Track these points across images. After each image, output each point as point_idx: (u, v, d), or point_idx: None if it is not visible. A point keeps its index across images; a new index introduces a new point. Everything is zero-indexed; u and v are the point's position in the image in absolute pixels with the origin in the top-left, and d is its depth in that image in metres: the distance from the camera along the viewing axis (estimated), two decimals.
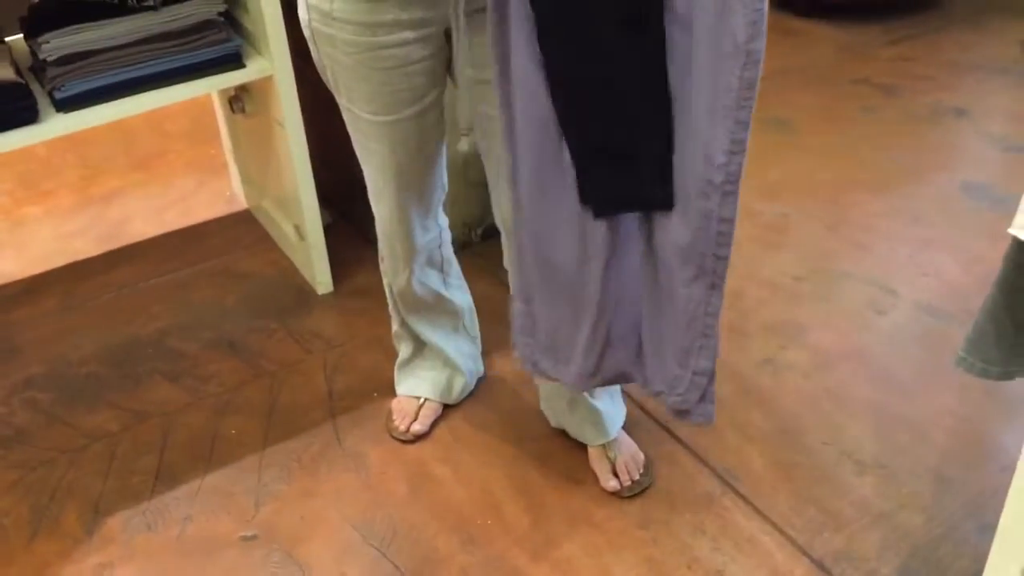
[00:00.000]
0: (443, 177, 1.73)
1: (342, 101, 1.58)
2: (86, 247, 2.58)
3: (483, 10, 1.39)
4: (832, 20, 3.50)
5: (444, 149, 1.68)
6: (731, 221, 1.27)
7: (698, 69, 1.20)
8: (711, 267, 1.32)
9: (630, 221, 1.40)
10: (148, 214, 2.70)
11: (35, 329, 2.29)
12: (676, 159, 1.30)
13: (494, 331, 2.05)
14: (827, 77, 3.20)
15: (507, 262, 1.63)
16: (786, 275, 2.33)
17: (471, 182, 2.30)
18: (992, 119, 2.86)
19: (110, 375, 2.14)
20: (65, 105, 1.94)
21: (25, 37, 2.05)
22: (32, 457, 1.93)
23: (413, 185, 1.66)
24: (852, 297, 2.25)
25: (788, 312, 2.21)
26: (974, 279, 2.25)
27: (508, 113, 1.36)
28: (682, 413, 1.49)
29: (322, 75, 1.57)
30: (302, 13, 1.52)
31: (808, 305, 2.23)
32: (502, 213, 1.59)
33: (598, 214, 1.38)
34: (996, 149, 2.77)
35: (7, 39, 2.13)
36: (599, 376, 1.54)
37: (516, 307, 1.54)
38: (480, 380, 2.04)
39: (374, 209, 1.74)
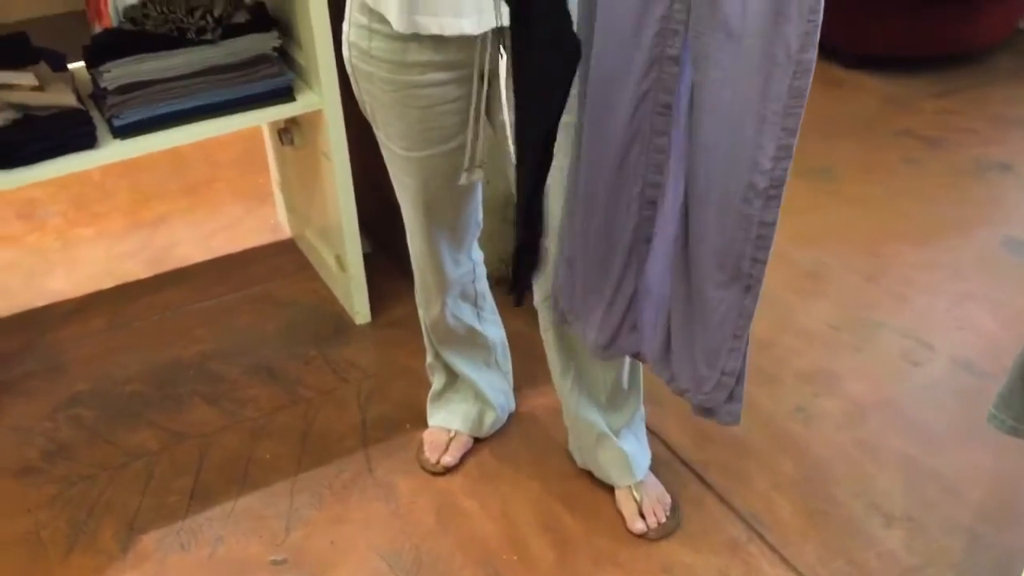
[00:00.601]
0: (478, 213, 1.77)
1: (379, 135, 1.63)
2: (135, 269, 2.65)
3: None
4: (878, 72, 3.51)
5: (479, 186, 1.72)
6: (773, 225, 1.29)
7: (748, 76, 1.22)
8: (748, 270, 1.34)
9: (669, 216, 1.43)
10: (196, 239, 2.77)
11: (82, 347, 2.35)
12: (707, 163, 1.32)
13: (527, 367, 2.07)
14: (870, 128, 3.20)
15: (538, 300, 1.69)
16: (822, 324, 2.33)
17: (510, 220, 2.33)
18: None
19: (152, 395, 2.19)
20: (123, 132, 2.01)
21: (87, 65, 2.13)
22: (73, 472, 1.98)
23: (444, 220, 1.70)
24: (888, 348, 2.24)
25: (822, 361, 2.21)
26: (1013, 335, 2.24)
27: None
28: (708, 411, 1.50)
29: (362, 109, 1.63)
30: (344, 49, 1.58)
31: (843, 354, 2.23)
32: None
33: None
34: None
35: (70, 66, 2.21)
36: (611, 350, 1.58)
37: (561, 269, 1.59)
38: (511, 415, 2.06)
39: (408, 241, 1.78)
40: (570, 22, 1.24)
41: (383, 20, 1.46)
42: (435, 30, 1.41)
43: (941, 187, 2.86)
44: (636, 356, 1.60)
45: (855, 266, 2.53)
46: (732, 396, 1.47)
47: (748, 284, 1.35)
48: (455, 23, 1.41)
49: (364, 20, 1.51)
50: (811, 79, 1.18)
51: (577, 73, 1.33)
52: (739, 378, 1.45)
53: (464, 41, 1.44)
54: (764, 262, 1.33)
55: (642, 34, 1.30)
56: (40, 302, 2.52)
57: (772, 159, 1.24)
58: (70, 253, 2.73)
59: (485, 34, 1.41)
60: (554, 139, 1.34)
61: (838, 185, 2.90)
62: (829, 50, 3.60)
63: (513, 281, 1.63)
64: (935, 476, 1.89)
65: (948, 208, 2.76)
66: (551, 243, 1.61)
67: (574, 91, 1.39)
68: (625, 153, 1.40)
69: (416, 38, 1.46)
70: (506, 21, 1.35)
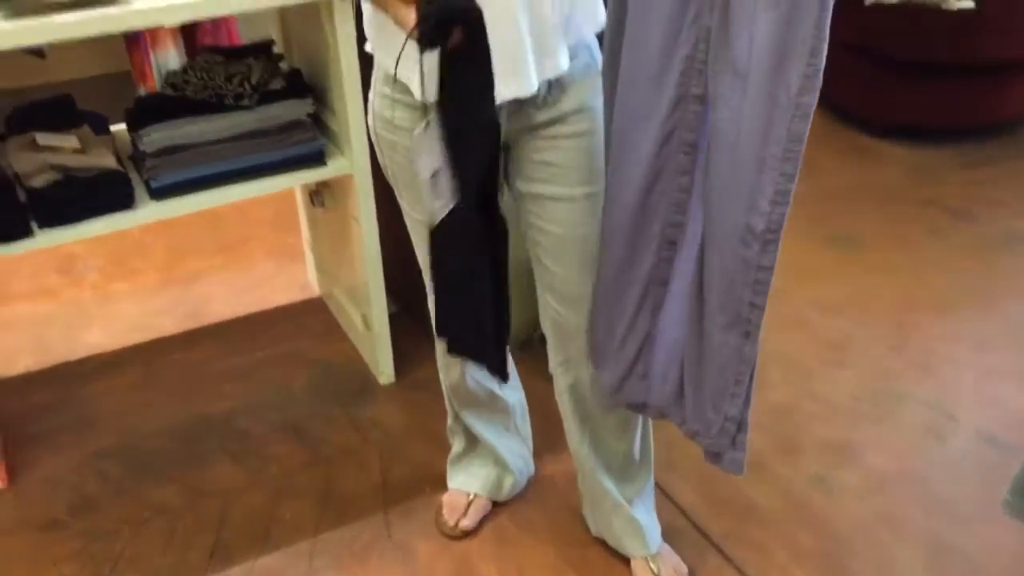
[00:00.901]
0: None
1: (400, 201, 1.69)
2: (168, 324, 2.70)
3: (533, 128, 1.49)
4: (905, 141, 3.53)
5: None
6: (769, 270, 1.32)
7: (750, 118, 1.25)
8: (747, 315, 1.36)
9: (687, 258, 1.46)
10: (228, 296, 2.83)
11: (113, 401, 2.40)
12: (717, 202, 1.35)
13: (547, 431, 2.08)
14: (897, 197, 3.21)
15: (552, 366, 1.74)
16: (844, 393, 2.32)
17: (534, 284, 2.36)
18: None
19: (178, 451, 2.23)
20: (159, 194, 2.08)
21: (128, 128, 2.21)
22: (97, 526, 2.02)
23: None
24: (911, 420, 2.23)
25: (845, 431, 2.20)
26: None
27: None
28: (714, 456, 1.51)
29: (385, 175, 1.68)
30: (369, 118, 1.64)
31: (865, 425, 2.22)
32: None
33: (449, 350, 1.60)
34: None
35: (113, 127, 2.29)
36: (620, 395, 1.60)
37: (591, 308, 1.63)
38: (530, 479, 2.07)
39: (429, 305, 1.82)
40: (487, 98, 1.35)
41: (405, 91, 1.52)
42: None
43: (966, 258, 2.86)
44: (640, 408, 1.62)
45: (879, 335, 2.53)
46: (735, 443, 1.47)
47: (747, 330, 1.37)
48: None
49: (387, 90, 1.57)
50: (809, 124, 1.21)
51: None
52: (740, 425, 1.45)
53: None
54: (762, 308, 1.35)
55: (668, 74, 1.35)
56: (76, 355, 2.58)
57: (770, 202, 1.27)
58: (106, 307, 2.80)
59: (502, 105, 1.45)
60: (493, 208, 1.44)
61: (863, 253, 2.90)
62: (857, 119, 3.64)
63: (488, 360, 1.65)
64: (957, 553, 1.87)
65: (973, 279, 2.75)
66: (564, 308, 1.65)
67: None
68: (648, 191, 1.43)
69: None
70: (522, 93, 1.40)
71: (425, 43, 1.28)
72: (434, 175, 1.42)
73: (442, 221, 1.46)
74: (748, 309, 1.35)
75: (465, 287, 1.55)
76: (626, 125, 1.41)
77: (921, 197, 3.20)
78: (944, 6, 3.37)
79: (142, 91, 3.39)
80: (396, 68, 1.43)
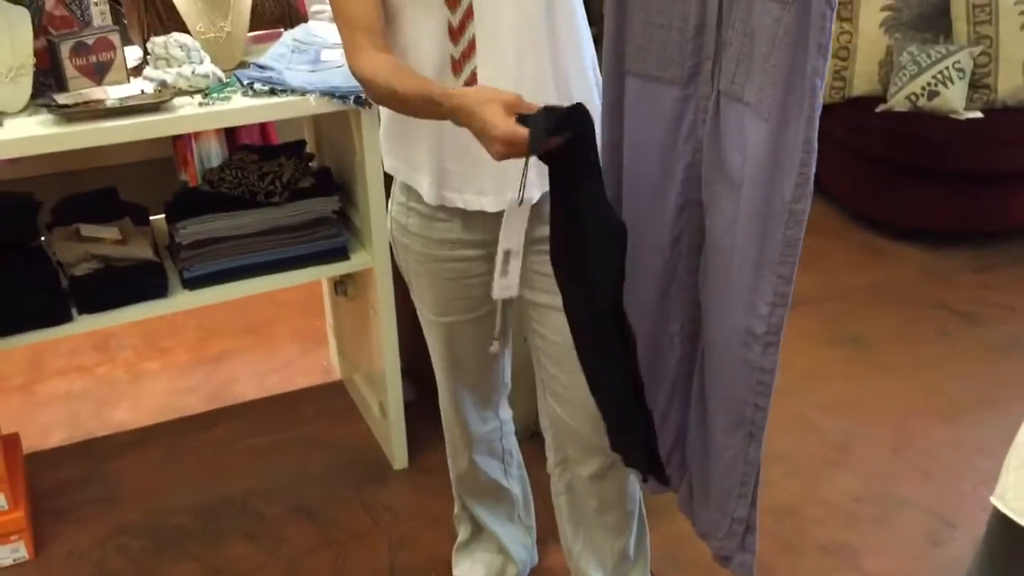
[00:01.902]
0: (504, 375, 1.90)
1: (415, 300, 1.80)
2: (194, 404, 2.81)
3: (536, 240, 1.59)
4: (919, 243, 3.60)
5: (506, 351, 1.86)
6: (771, 372, 1.34)
7: (746, 224, 1.30)
8: (750, 416, 1.38)
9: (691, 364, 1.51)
10: (253, 377, 2.94)
11: (138, 478, 2.50)
12: (715, 306, 1.41)
13: (552, 521, 2.14)
14: (907, 299, 3.28)
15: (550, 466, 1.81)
16: (846, 495, 2.37)
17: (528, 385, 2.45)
18: None
19: (197, 528, 2.31)
20: (192, 284, 2.21)
21: (167, 219, 2.35)
22: None
23: (469, 380, 1.83)
24: (910, 525, 2.27)
25: (844, 534, 2.24)
26: None
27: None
28: (724, 559, 1.52)
29: (402, 273, 1.80)
30: (388, 223, 1.76)
31: (865, 529, 2.26)
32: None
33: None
34: None
35: (152, 217, 2.44)
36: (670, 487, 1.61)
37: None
38: (533, 569, 2.13)
39: (439, 395, 1.92)
40: (610, 207, 1.38)
41: (419, 199, 1.65)
42: (459, 204, 1.58)
43: (973, 362, 2.91)
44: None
45: (882, 438, 2.58)
46: (744, 545, 1.47)
47: (751, 431, 1.39)
48: (477, 200, 1.58)
49: (403, 199, 1.70)
50: (804, 229, 1.26)
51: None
52: (748, 527, 1.46)
53: (489, 220, 1.59)
54: (765, 409, 1.37)
55: (670, 183, 1.43)
56: (104, 431, 2.70)
57: (769, 304, 1.31)
58: (136, 385, 2.92)
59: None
60: (621, 318, 1.39)
61: (871, 354, 2.96)
62: (872, 220, 3.72)
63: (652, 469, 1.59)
64: None
65: (979, 384, 2.80)
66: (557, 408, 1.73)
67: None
68: (664, 294, 1.50)
69: (444, 217, 1.63)
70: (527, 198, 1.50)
71: (536, 150, 1.28)
72: (507, 253, 1.46)
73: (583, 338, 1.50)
74: (752, 410, 1.37)
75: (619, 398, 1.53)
76: (634, 233, 1.44)
77: (932, 299, 3.27)
78: (952, 115, 3.48)
79: (183, 176, 3.55)
80: (521, 193, 1.39)
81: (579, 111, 1.30)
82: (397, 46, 1.54)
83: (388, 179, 2.18)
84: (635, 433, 1.52)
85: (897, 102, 3.53)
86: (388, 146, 1.68)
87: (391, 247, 1.80)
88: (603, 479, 1.77)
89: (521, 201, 1.41)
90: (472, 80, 1.52)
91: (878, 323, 3.13)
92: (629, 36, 1.43)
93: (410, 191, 1.68)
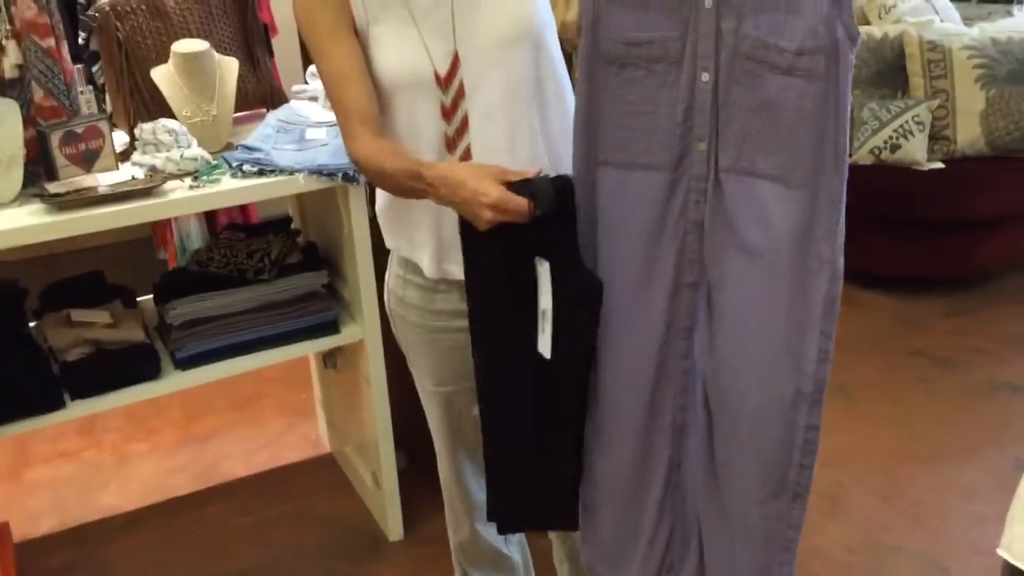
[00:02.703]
0: None
1: (412, 370, 1.82)
2: (183, 484, 2.80)
3: None
4: (892, 291, 3.68)
5: None
6: (818, 429, 1.37)
7: (779, 289, 1.33)
8: (795, 478, 1.38)
9: (694, 445, 1.48)
10: (241, 454, 2.93)
11: (130, 563, 2.47)
12: (744, 380, 1.38)
13: None
14: (885, 347, 3.34)
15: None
16: (839, 546, 2.39)
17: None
18: None
19: None
20: (184, 364, 2.22)
21: (155, 301, 2.37)
22: None
23: (467, 449, 1.85)
24: (904, 573, 2.30)
25: None
26: None
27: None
28: None
29: (399, 344, 1.82)
30: (385, 294, 1.79)
31: None
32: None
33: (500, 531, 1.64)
34: None
35: (139, 299, 2.45)
36: None
37: (582, 515, 1.61)
38: None
39: (438, 465, 1.93)
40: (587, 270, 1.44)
41: (416, 272, 1.68)
42: (459, 277, 1.62)
43: (954, 407, 2.96)
44: None
45: (871, 487, 2.61)
46: None
47: (796, 492, 1.40)
48: None
49: (400, 271, 1.74)
50: (841, 285, 1.32)
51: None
52: None
53: None
54: (811, 468, 1.38)
55: (659, 269, 1.42)
56: (93, 516, 2.67)
57: (815, 362, 1.34)
58: (124, 468, 2.90)
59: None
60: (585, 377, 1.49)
61: (854, 404, 3.01)
62: (846, 271, 3.79)
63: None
64: None
65: (961, 429, 2.85)
66: None
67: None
68: (655, 386, 1.47)
69: (444, 289, 1.66)
70: None
71: (550, 209, 1.37)
72: (543, 311, 1.48)
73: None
74: (797, 471, 1.39)
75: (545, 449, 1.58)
76: (619, 327, 1.46)
77: (908, 347, 3.33)
78: (916, 166, 3.60)
79: (163, 256, 3.57)
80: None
81: (567, 179, 1.39)
82: (394, 128, 1.59)
83: (377, 251, 2.23)
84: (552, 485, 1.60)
85: (861, 156, 3.64)
86: (388, 225, 1.72)
87: (390, 318, 1.83)
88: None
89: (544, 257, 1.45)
90: (467, 156, 1.58)
91: (859, 372, 3.18)
92: (603, 128, 1.43)
93: (407, 264, 1.72)
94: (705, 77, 1.33)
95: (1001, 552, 1.16)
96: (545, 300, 1.45)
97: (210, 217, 3.44)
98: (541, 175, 1.40)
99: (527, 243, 1.44)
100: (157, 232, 3.56)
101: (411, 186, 1.49)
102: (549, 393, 1.53)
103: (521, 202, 1.36)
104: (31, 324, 2.27)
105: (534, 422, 1.57)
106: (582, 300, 1.46)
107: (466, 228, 1.46)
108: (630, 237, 1.44)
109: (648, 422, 1.50)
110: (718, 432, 1.45)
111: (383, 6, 1.56)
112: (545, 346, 1.47)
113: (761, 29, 1.29)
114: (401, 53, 1.55)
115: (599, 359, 1.52)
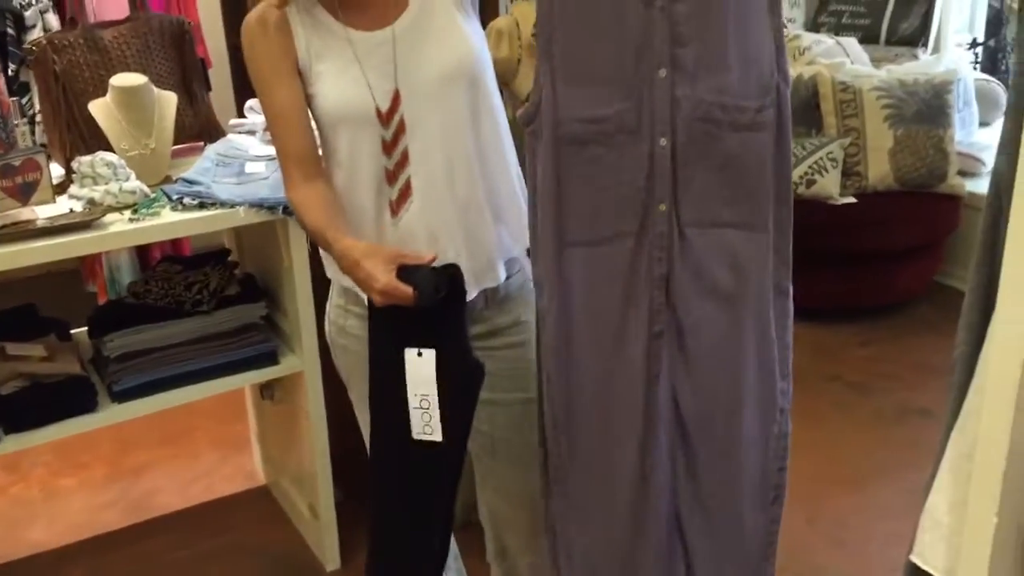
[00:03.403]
0: None
1: (352, 397, 1.86)
2: (115, 519, 2.76)
3: (484, 335, 1.68)
4: (808, 320, 3.81)
5: None
6: (788, 434, 1.56)
7: (753, 318, 1.48)
8: (775, 482, 1.57)
9: (661, 485, 1.57)
10: (174, 488, 2.90)
11: None
12: (726, 412, 1.52)
13: None
14: (803, 373, 3.42)
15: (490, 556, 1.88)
16: None
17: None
18: None
19: None
20: (121, 397, 2.21)
21: (90, 334, 2.35)
22: None
23: None
24: None
25: None
26: None
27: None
28: None
29: (339, 372, 1.86)
30: (326, 324, 1.84)
31: None
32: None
33: None
34: None
35: (72, 331, 2.43)
36: None
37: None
38: None
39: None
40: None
41: (356, 302, 1.73)
42: None
43: (869, 432, 3.10)
44: None
45: (795, 509, 2.69)
46: None
47: (776, 494, 1.59)
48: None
49: (341, 302, 1.78)
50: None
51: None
52: None
53: None
54: (786, 468, 1.58)
55: (630, 327, 1.49)
56: (21, 553, 2.62)
57: (784, 376, 1.53)
58: (52, 504, 2.85)
59: None
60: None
61: None
62: None
63: None
64: None
65: (876, 452, 2.98)
66: None
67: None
68: (644, 435, 1.52)
69: None
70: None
71: (429, 303, 1.48)
72: (423, 401, 1.56)
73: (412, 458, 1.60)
74: (777, 475, 1.57)
75: (422, 520, 1.67)
76: (602, 387, 1.52)
77: (825, 373, 3.47)
78: (830, 200, 3.77)
79: (91, 288, 3.53)
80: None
81: (457, 271, 1.51)
82: (336, 160, 1.64)
83: (316, 283, 2.26)
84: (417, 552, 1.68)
85: None
86: (329, 257, 1.76)
87: (330, 347, 1.86)
88: (542, 569, 1.83)
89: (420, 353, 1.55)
90: (407, 189, 1.63)
91: None
92: (571, 208, 1.47)
93: (348, 293, 1.76)
94: (663, 142, 1.39)
95: (913, 558, 1.24)
96: (426, 387, 1.53)
97: (141, 250, 3.43)
98: (430, 263, 1.49)
99: (417, 326, 1.53)
100: (86, 264, 3.53)
101: (323, 244, 1.61)
102: (423, 469, 1.62)
103: (406, 291, 1.46)
104: None
105: (410, 497, 1.66)
106: (466, 386, 1.57)
107: (370, 302, 1.55)
108: (604, 304, 1.51)
109: (641, 496, 1.56)
110: (705, 464, 1.56)
111: (326, 45, 1.61)
112: (435, 430, 1.55)
113: (717, 92, 1.35)
114: (344, 89, 1.61)
115: (579, 425, 1.57)
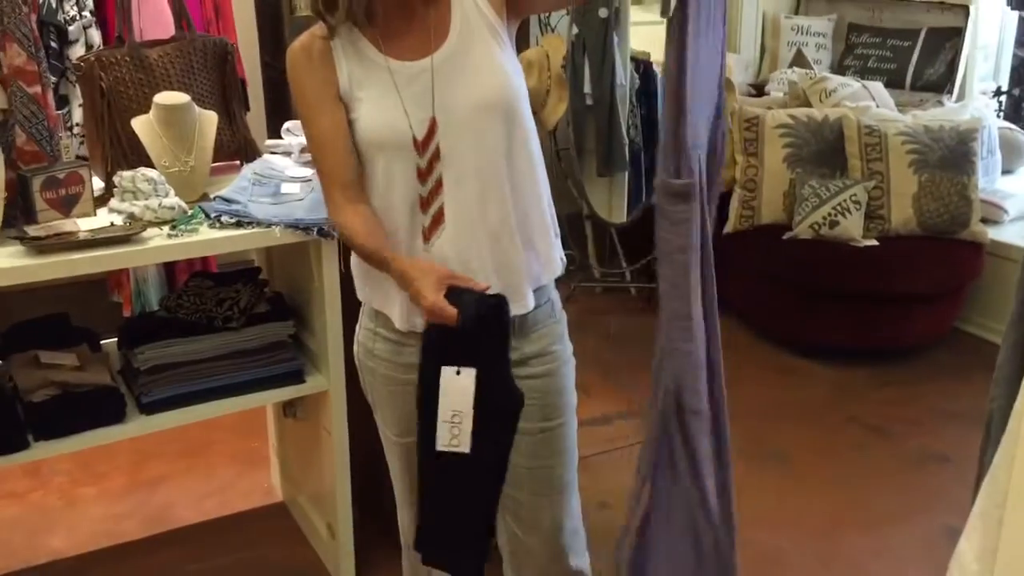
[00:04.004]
0: None
1: (378, 420, 1.88)
2: (132, 529, 2.78)
3: (512, 363, 1.71)
4: (827, 361, 3.84)
5: None
6: None
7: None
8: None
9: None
10: (191, 501, 2.92)
11: None
12: None
13: None
14: (820, 414, 3.49)
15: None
16: None
17: None
18: (974, 467, 3.07)
19: None
20: (150, 409, 2.23)
21: (120, 345, 2.38)
22: None
23: None
24: None
25: None
26: None
27: None
28: None
29: (365, 395, 1.88)
30: (355, 346, 1.86)
31: None
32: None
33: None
34: None
35: (103, 342, 2.46)
36: None
37: None
38: None
39: (398, 513, 1.98)
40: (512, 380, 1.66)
41: (386, 325, 1.76)
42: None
43: (887, 475, 3.10)
44: None
45: (810, 551, 2.72)
46: None
47: None
48: None
49: (371, 324, 1.81)
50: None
51: None
52: None
53: None
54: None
55: None
56: (40, 560, 2.64)
57: None
58: (71, 512, 2.87)
59: None
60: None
61: (792, 470, 3.13)
62: (781, 340, 3.97)
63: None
64: None
65: (894, 496, 2.98)
66: None
67: None
68: None
69: (412, 342, 1.74)
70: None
71: (469, 325, 1.57)
72: (454, 416, 1.63)
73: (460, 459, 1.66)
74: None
75: (464, 513, 1.74)
76: None
77: (843, 414, 3.48)
78: (852, 242, 3.79)
79: (116, 298, 3.57)
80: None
81: (503, 301, 1.60)
82: (372, 185, 1.68)
83: (344, 305, 2.29)
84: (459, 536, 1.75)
85: (802, 231, 3.82)
86: (362, 278, 1.80)
87: (358, 369, 1.88)
88: None
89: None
90: (439, 216, 1.66)
91: (796, 438, 3.31)
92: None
93: (378, 317, 1.79)
94: None
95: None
96: (460, 404, 1.61)
97: (168, 264, 3.46)
98: (483, 291, 1.58)
99: (458, 346, 1.60)
100: (111, 274, 3.56)
101: (379, 263, 1.67)
102: (452, 478, 1.69)
103: (451, 312, 1.55)
104: None
105: (444, 503, 1.74)
106: (504, 408, 1.66)
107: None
108: None
109: None
110: None
111: (367, 73, 1.65)
112: (463, 443, 1.63)
113: None
114: (382, 117, 1.65)
115: None
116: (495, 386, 1.61)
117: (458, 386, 1.61)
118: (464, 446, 1.63)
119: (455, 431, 1.62)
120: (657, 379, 1.59)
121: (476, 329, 1.55)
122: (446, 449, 1.64)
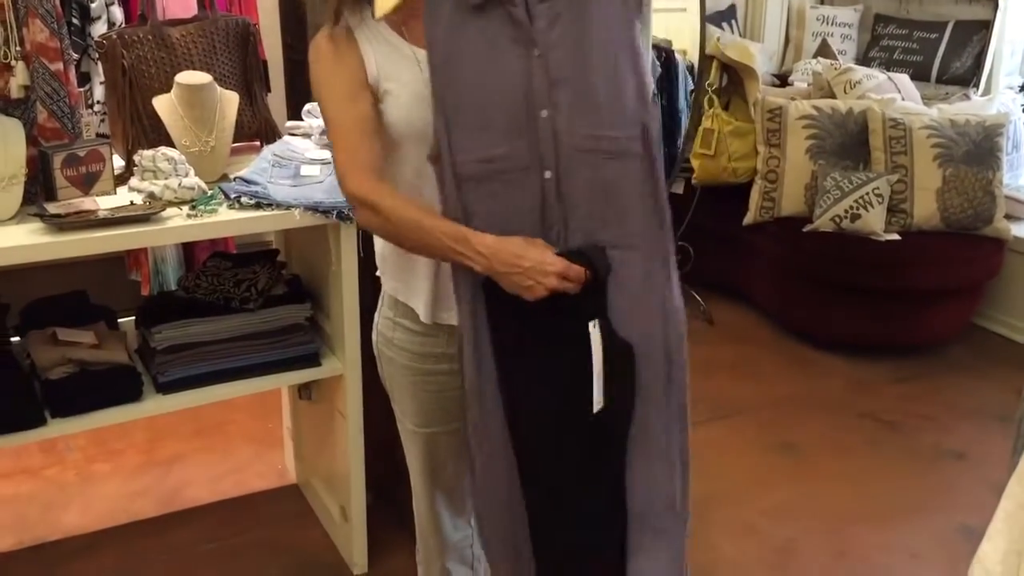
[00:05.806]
0: None
1: (395, 409, 1.88)
2: (146, 507, 2.80)
3: None
4: (844, 354, 3.82)
5: None
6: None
7: (636, 337, 1.61)
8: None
9: None
10: (205, 480, 2.94)
11: None
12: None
13: None
14: (836, 407, 3.47)
15: None
16: None
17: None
18: (990, 465, 3.07)
19: None
20: (167, 388, 2.24)
21: (137, 324, 2.39)
22: None
23: (444, 488, 1.91)
24: None
25: None
26: None
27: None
28: None
29: (383, 383, 1.88)
30: (373, 334, 1.85)
31: None
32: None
33: None
34: (994, 495, 2.94)
35: (120, 320, 2.47)
36: None
37: None
38: None
39: (414, 504, 1.98)
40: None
41: (407, 315, 1.75)
42: (452, 322, 1.68)
43: (901, 470, 3.08)
44: None
45: (821, 544, 2.71)
46: None
47: None
48: None
49: (391, 313, 1.80)
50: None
51: None
52: None
53: None
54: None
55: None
56: (54, 535, 2.65)
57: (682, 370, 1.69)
58: (86, 488, 2.89)
59: None
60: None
61: (805, 461, 3.12)
62: (801, 332, 3.94)
63: None
64: None
65: (907, 492, 2.97)
66: None
67: None
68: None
69: (434, 333, 1.73)
70: None
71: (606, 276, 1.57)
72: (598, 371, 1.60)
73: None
74: None
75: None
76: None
77: (858, 408, 3.46)
78: (873, 236, 3.75)
79: (134, 277, 3.58)
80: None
81: (602, 249, 1.57)
82: (401, 175, 1.66)
83: (363, 289, 2.29)
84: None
85: (822, 223, 3.79)
86: (388, 270, 1.79)
87: (376, 357, 1.88)
88: None
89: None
90: None
91: (810, 431, 3.30)
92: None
93: (398, 306, 1.78)
94: (548, 175, 1.55)
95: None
96: (597, 358, 1.58)
97: (187, 244, 3.47)
98: (589, 248, 1.56)
99: (565, 309, 1.55)
100: (131, 253, 3.57)
101: (446, 246, 1.54)
102: (594, 449, 1.64)
103: (580, 271, 1.52)
104: (12, 340, 2.28)
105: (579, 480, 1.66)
106: (627, 354, 1.61)
107: (496, 297, 1.56)
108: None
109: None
110: None
111: (393, 63, 1.63)
112: (598, 400, 1.59)
113: (590, 126, 1.56)
114: (409, 107, 1.63)
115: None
116: (614, 334, 1.59)
117: (595, 341, 1.57)
118: (600, 404, 1.59)
119: (600, 388, 1.59)
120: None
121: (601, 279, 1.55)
122: (599, 408, 1.59)
